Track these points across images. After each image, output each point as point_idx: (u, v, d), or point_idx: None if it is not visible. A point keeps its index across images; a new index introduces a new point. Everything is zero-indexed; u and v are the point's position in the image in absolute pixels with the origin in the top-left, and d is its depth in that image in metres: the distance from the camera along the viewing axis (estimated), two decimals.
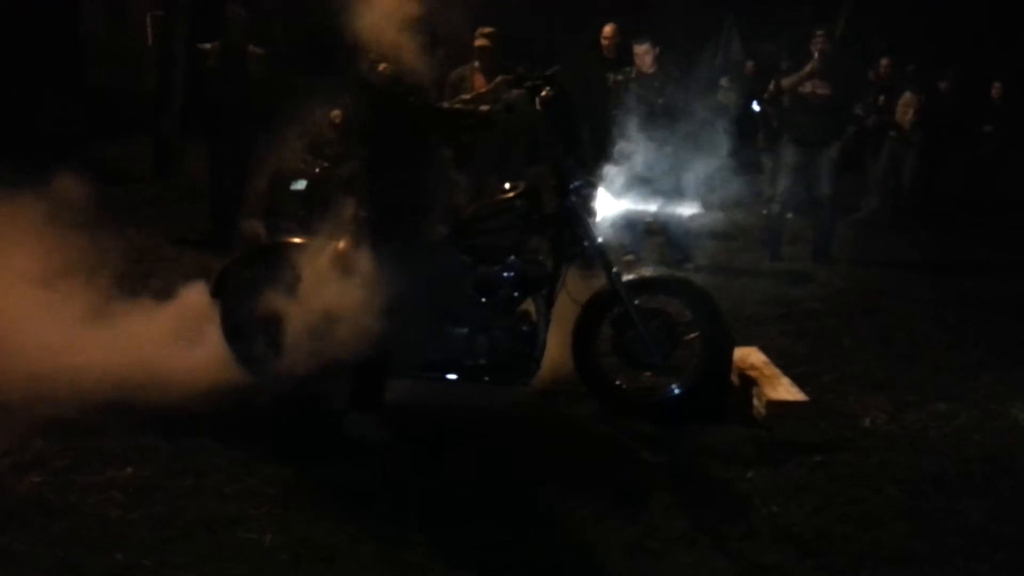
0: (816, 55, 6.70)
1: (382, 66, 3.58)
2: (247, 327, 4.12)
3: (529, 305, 4.00)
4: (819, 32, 6.83)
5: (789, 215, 7.35)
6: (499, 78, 4.04)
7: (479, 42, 6.08)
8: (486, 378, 3.97)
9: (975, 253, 7.44)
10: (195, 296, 4.45)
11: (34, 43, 11.04)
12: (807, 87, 6.68)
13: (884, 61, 8.70)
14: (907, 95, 8.13)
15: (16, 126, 9.64)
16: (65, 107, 10.61)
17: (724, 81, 11.07)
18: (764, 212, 7.55)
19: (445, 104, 3.64)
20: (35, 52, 10.98)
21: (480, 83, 5.87)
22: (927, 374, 4.66)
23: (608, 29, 7.41)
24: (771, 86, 7.28)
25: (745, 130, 9.58)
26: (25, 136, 9.36)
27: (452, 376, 3.96)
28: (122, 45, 11.86)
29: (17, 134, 9.42)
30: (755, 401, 4.03)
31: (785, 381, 4.08)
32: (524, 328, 3.95)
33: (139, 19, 11.95)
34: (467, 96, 4.15)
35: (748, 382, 4.13)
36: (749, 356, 4.37)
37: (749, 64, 11.61)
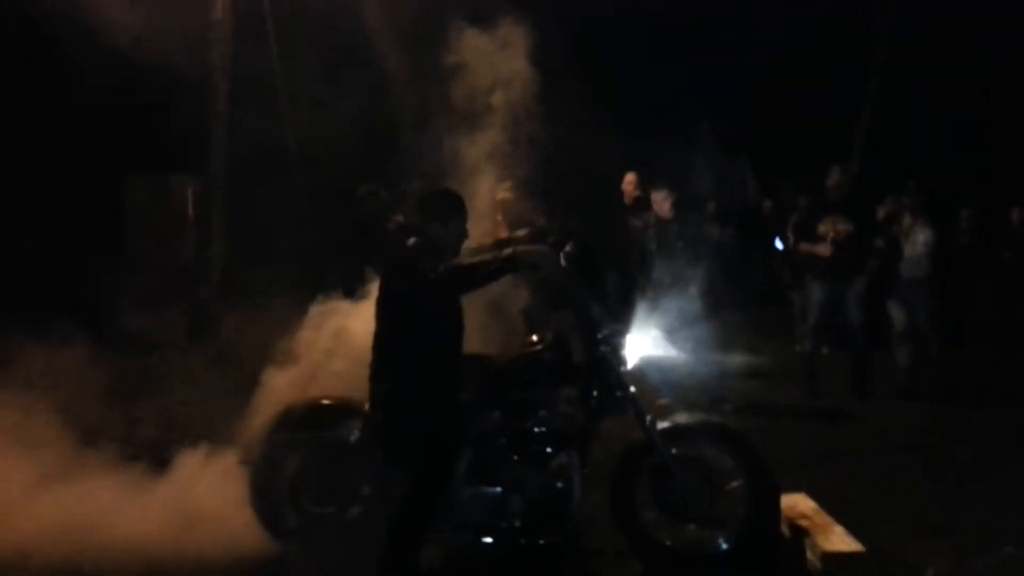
0: (831, 192, 6.82)
1: (412, 240, 3.66)
2: (276, 494, 4.04)
3: (563, 459, 3.88)
4: (834, 167, 6.96)
5: (824, 350, 7.24)
6: (521, 232, 4.12)
7: (501, 195, 6.25)
8: (522, 540, 3.81)
9: (1011, 381, 7.21)
10: (224, 463, 4.39)
11: (79, 217, 11.63)
12: (826, 225, 6.74)
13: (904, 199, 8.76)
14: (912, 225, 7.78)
15: (58, 297, 9.96)
16: (105, 279, 10.99)
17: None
18: (797, 348, 7.44)
19: (466, 261, 3.66)
20: (80, 226, 11.54)
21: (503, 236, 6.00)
22: (986, 515, 4.40)
23: (630, 177, 7.62)
24: (791, 225, 7.35)
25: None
26: (65, 307, 9.66)
27: (487, 539, 3.81)
28: (164, 219, 12.42)
29: (57, 304, 9.71)
30: (808, 553, 3.81)
31: (839, 530, 3.87)
32: (559, 484, 3.82)
33: (181, 194, 12.59)
34: (487, 243, 4.21)
35: (799, 532, 3.92)
36: (798, 504, 4.17)
37: (766, 203, 11.80)
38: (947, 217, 8.61)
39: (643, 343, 4.20)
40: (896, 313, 7.01)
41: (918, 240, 6.90)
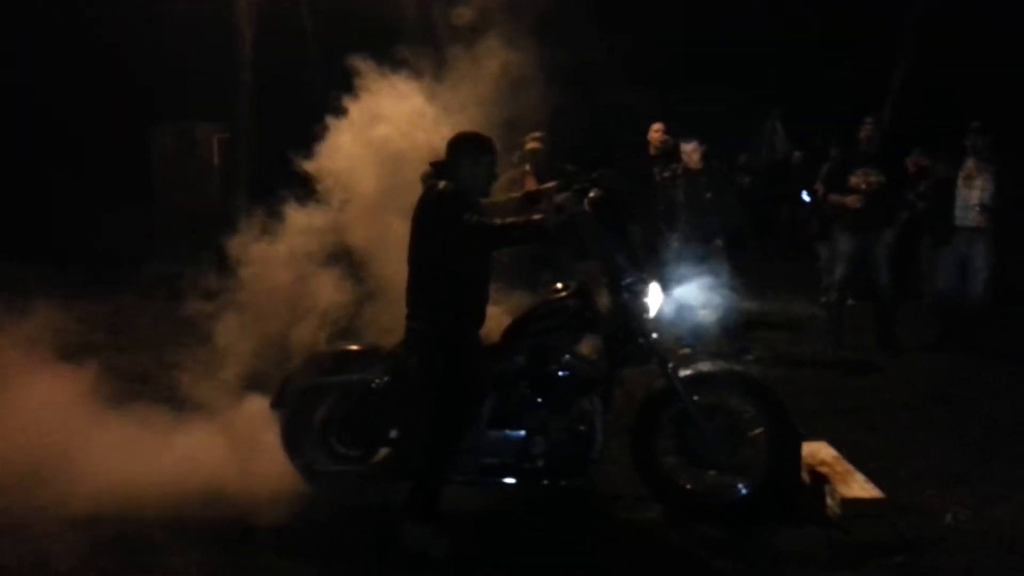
0: (863, 143, 6.71)
1: (443, 184, 3.69)
2: (307, 437, 4.15)
3: (586, 404, 3.94)
4: (867, 120, 6.84)
5: (850, 302, 7.20)
6: (549, 184, 4.13)
7: (530, 145, 6.24)
8: (544, 481, 3.89)
9: None
10: (256, 407, 4.50)
11: (108, 166, 11.77)
12: (857, 177, 6.65)
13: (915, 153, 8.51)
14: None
15: (87, 244, 10.14)
16: (133, 226, 11.16)
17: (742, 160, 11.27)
18: (823, 300, 7.41)
19: (498, 221, 3.69)
20: (109, 175, 11.69)
21: (531, 186, 6.00)
22: (1009, 467, 4.41)
23: (656, 127, 7.59)
24: (821, 175, 7.25)
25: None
26: (94, 254, 9.85)
27: (510, 480, 3.90)
28: (191, 167, 12.52)
29: (87, 252, 9.90)
30: (828, 500, 3.86)
31: (859, 477, 3.90)
32: (581, 428, 3.89)
33: (207, 143, 12.66)
34: (516, 195, 4.24)
35: (820, 479, 3.96)
36: (819, 451, 4.20)
37: (796, 155, 11.66)
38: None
39: (668, 292, 4.22)
40: (943, 266, 6.80)
41: (976, 186, 6.52)
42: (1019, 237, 7.61)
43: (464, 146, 3.84)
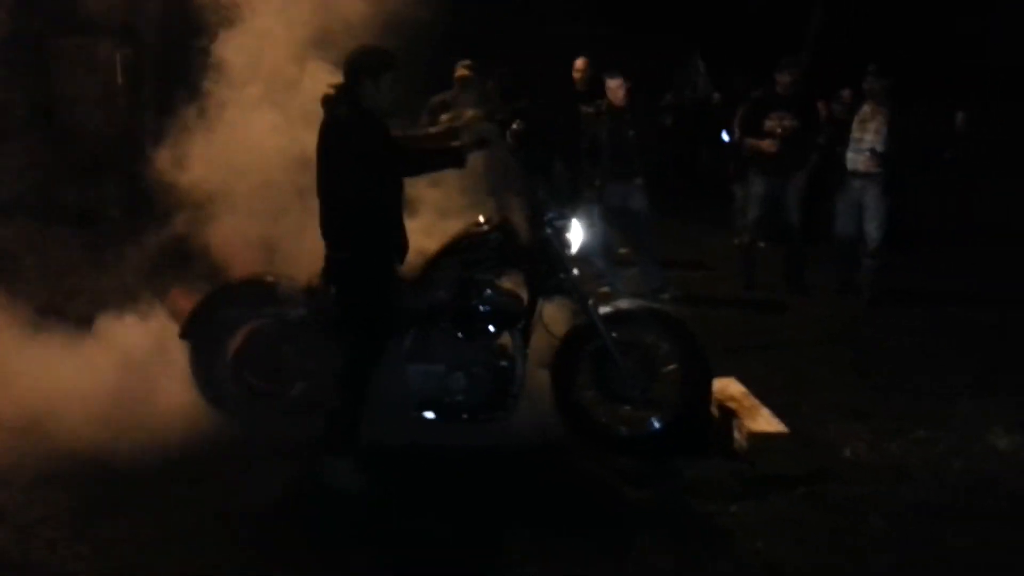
0: (780, 89, 6.79)
1: (343, 111, 3.53)
2: (219, 369, 4.04)
3: (506, 340, 3.95)
4: (783, 62, 6.91)
5: (761, 244, 7.38)
6: (471, 113, 4.04)
7: (460, 72, 6.14)
8: (464, 415, 3.91)
9: (950, 281, 7.49)
10: (165, 338, 4.35)
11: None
12: (773, 121, 6.74)
13: (846, 92, 8.76)
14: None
15: None
16: (33, 150, 10.49)
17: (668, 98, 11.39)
18: (736, 241, 7.58)
19: (415, 147, 3.60)
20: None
21: (462, 110, 5.91)
22: (906, 402, 4.65)
23: (580, 62, 7.51)
24: (738, 119, 7.33)
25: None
26: None
27: (429, 414, 3.90)
28: (91, 87, 11.80)
29: None
30: (736, 433, 4.00)
31: (765, 412, 4.05)
32: (502, 363, 3.91)
33: (108, 60, 11.93)
34: (440, 125, 4.14)
35: (728, 414, 4.10)
36: (728, 387, 4.34)
37: (716, 96, 11.76)
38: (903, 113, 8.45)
39: (588, 229, 4.23)
40: (841, 211, 6.86)
41: (869, 130, 6.47)
42: (915, 180, 7.82)
43: (363, 63, 3.56)
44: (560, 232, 3.92)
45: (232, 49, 4.54)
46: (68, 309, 5.19)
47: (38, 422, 3.92)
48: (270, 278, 4.11)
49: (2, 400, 4.00)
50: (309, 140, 3.67)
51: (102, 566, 3.03)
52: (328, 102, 3.61)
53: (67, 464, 3.69)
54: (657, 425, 4.03)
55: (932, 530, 3.29)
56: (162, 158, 4.61)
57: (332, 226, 3.64)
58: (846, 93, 8.60)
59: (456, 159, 3.67)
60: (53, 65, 11.84)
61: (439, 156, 3.70)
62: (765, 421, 3.97)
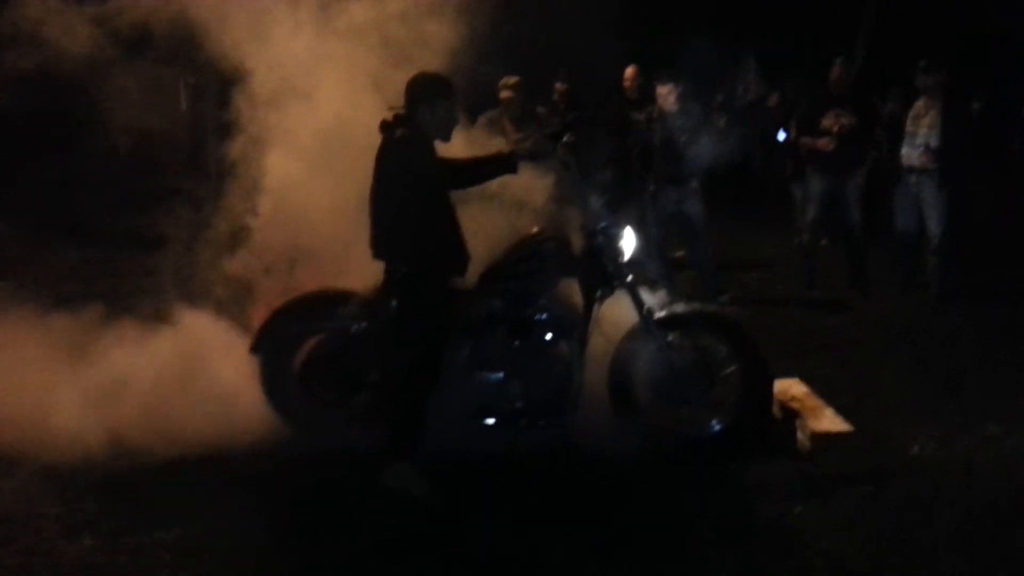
0: (833, 86, 6.72)
1: (399, 132, 3.66)
2: (286, 381, 4.18)
3: (563, 347, 4.00)
4: (837, 60, 6.85)
5: (823, 242, 7.29)
6: (519, 136, 4.15)
7: (504, 94, 6.21)
8: (523, 422, 3.97)
9: (1017, 275, 7.28)
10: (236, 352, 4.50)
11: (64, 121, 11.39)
12: (829, 119, 6.67)
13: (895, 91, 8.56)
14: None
15: (53, 197, 9.91)
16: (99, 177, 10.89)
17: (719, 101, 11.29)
18: (796, 241, 7.50)
19: (462, 159, 3.71)
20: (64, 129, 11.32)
21: (508, 129, 6.01)
22: (973, 399, 4.55)
23: (630, 71, 7.59)
24: (794, 118, 7.27)
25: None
26: (62, 207, 9.64)
27: (489, 421, 3.97)
28: (156, 112, 12.21)
29: (54, 205, 9.69)
30: (799, 434, 3.98)
31: (829, 412, 4.02)
32: (558, 371, 3.96)
33: (173, 86, 12.34)
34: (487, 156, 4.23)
35: (791, 415, 4.08)
36: (790, 388, 4.32)
37: (773, 95, 11.64)
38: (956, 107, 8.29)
39: (640, 236, 4.26)
40: (900, 207, 6.71)
41: (923, 125, 6.38)
42: (979, 174, 7.57)
43: (419, 91, 3.74)
44: (613, 240, 3.97)
45: (291, 73, 4.70)
46: (145, 323, 5.40)
47: (122, 435, 4.09)
48: (333, 293, 4.24)
49: (88, 418, 4.18)
50: (370, 163, 3.79)
51: (183, 571, 3.16)
52: (387, 127, 3.74)
53: (145, 475, 3.85)
54: (717, 428, 4.03)
55: (1001, 530, 3.22)
56: (226, 184, 4.79)
57: (390, 242, 3.76)
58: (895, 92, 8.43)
59: (509, 165, 3.83)
60: (120, 92, 12.32)
61: (493, 163, 3.86)
62: (829, 421, 3.95)
